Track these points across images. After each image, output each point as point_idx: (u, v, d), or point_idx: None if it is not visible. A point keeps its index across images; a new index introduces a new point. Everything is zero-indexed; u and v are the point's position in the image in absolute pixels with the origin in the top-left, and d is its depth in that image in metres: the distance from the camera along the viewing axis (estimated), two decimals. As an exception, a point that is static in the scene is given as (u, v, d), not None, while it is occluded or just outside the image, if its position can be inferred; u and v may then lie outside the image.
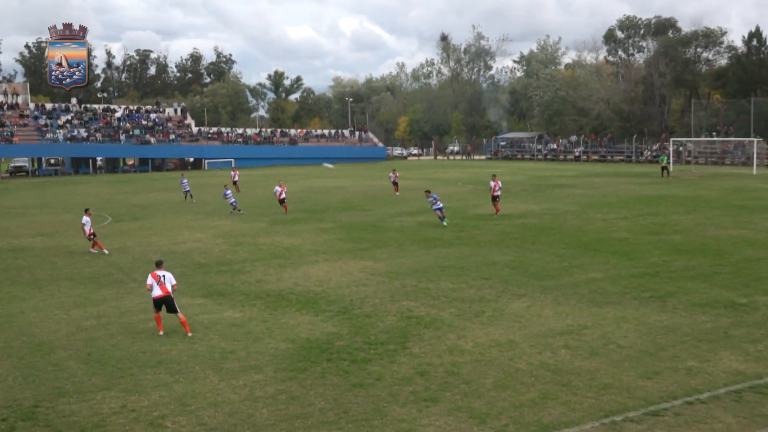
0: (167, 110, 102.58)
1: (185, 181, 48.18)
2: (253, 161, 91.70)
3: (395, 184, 48.09)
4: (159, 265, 16.72)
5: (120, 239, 30.56)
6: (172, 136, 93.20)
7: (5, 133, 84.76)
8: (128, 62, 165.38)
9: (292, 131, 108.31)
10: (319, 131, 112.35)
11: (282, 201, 39.27)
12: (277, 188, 39.77)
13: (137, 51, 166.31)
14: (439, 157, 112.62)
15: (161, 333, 15.93)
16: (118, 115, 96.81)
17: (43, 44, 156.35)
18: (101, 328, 16.64)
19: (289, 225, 33.71)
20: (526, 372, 13.01)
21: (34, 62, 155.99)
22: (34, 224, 36.23)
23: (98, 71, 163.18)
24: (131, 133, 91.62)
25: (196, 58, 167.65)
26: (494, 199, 34.91)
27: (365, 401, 11.89)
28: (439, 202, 32.09)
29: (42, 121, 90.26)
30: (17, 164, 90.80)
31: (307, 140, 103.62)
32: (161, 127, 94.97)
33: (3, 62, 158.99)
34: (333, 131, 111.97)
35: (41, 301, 19.65)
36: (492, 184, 35.12)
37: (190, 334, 15.84)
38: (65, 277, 22.88)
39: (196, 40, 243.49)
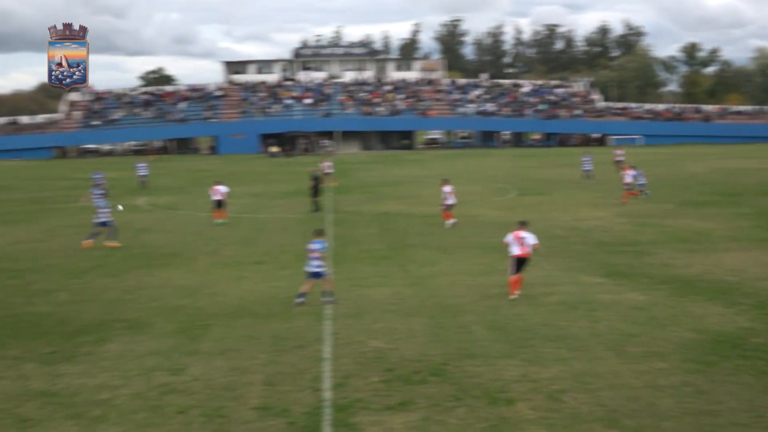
0: (574, 85, 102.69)
1: (588, 158, 46.36)
2: (661, 138, 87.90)
3: None
4: (523, 225, 17.53)
5: (523, 213, 31.28)
6: (577, 112, 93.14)
7: (422, 107, 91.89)
8: (536, 37, 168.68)
9: (707, 107, 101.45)
10: (737, 107, 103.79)
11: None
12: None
13: (545, 26, 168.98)
14: None
15: (513, 297, 16.77)
16: (524, 90, 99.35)
17: (457, 22, 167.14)
18: (505, 297, 17.15)
19: (699, 208, 31.67)
20: None
21: (449, 40, 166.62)
22: (446, 193, 38.61)
23: (507, 47, 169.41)
24: (537, 107, 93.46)
25: (604, 31, 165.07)
26: None
27: (785, 408, 10.68)
28: None
29: (455, 96, 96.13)
30: (432, 136, 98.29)
31: (723, 117, 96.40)
32: (566, 102, 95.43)
33: (422, 41, 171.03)
34: (754, 107, 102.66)
35: (450, 266, 20.89)
36: None
37: (513, 297, 16.72)
38: (473, 246, 24.05)
39: (605, 13, 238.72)
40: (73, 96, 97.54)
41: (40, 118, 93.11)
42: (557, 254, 22.15)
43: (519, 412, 10.73)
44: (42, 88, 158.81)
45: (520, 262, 17.05)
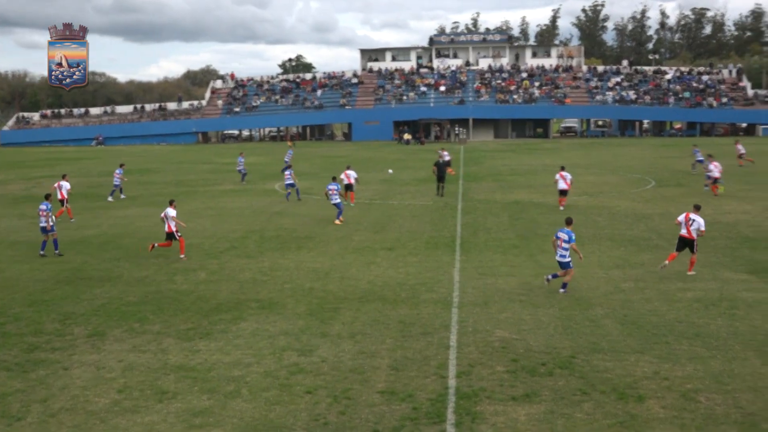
0: (722, 72, 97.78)
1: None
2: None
3: None
4: (697, 208, 18.40)
5: (662, 204, 30.19)
6: (724, 100, 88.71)
7: (558, 95, 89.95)
8: (682, 22, 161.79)
9: None
10: None
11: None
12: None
13: (692, 10, 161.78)
14: None
15: (663, 264, 18.12)
16: (668, 77, 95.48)
17: (599, 7, 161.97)
18: (638, 292, 16.64)
19: None
20: None
21: (589, 26, 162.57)
22: (579, 183, 37.54)
23: (651, 32, 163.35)
24: (680, 95, 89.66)
25: (757, 14, 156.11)
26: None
27: None
28: None
29: (593, 84, 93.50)
30: (567, 125, 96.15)
31: None
32: (713, 90, 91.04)
33: (561, 27, 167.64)
34: None
35: (583, 258, 20.32)
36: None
37: (662, 264, 18.09)
38: (606, 237, 23.39)
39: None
40: (217, 84, 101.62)
41: (185, 104, 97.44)
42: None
43: (649, 410, 10.37)
44: (187, 76, 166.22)
45: (684, 243, 18.18)
